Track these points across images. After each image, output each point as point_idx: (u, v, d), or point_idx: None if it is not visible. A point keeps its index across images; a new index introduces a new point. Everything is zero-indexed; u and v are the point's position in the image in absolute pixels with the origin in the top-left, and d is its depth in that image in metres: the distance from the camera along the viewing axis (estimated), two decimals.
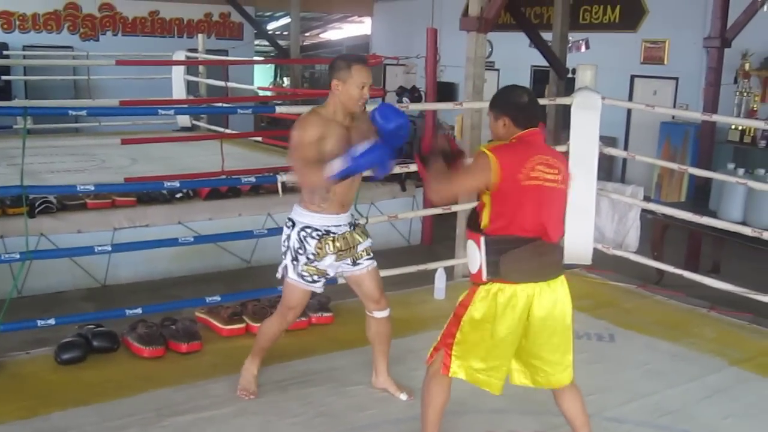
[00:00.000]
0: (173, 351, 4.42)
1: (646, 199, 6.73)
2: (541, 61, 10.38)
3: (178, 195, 7.68)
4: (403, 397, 3.98)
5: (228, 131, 10.63)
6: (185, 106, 10.72)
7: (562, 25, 9.93)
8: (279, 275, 3.80)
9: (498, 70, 14.65)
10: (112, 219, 7.18)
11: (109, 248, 5.05)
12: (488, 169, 2.99)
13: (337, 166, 3.38)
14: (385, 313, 3.91)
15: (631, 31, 12.83)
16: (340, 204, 3.69)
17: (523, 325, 3.09)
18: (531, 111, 3.15)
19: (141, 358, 4.33)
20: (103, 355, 4.35)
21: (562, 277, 3.18)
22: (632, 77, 12.76)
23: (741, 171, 6.88)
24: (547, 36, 10.27)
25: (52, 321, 4.46)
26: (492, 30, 6.58)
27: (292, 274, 3.71)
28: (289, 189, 7.09)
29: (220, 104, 9.95)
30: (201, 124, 12.23)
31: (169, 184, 5.25)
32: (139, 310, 4.63)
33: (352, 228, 3.79)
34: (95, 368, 4.22)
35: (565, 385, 3.23)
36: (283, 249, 3.73)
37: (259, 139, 11.23)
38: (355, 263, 3.79)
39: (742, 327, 5.25)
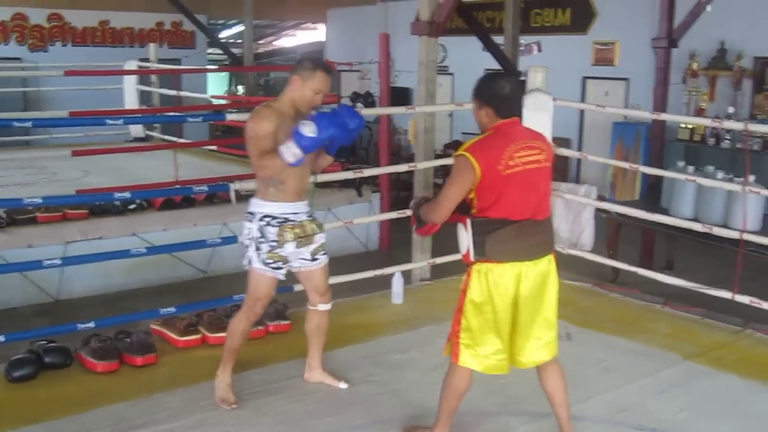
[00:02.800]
0: (128, 364, 4.34)
1: (601, 198, 6.80)
2: (494, 65, 10.46)
3: (132, 206, 7.58)
4: (343, 385, 4.10)
5: (182, 141, 10.53)
6: (135, 116, 10.57)
7: (514, 28, 10.02)
8: (246, 266, 3.87)
9: (452, 74, 14.73)
10: (63, 232, 7.06)
11: (59, 262, 4.95)
12: (470, 169, 3.13)
13: (290, 147, 3.50)
14: (329, 306, 4.06)
15: (581, 33, 12.98)
16: (295, 192, 3.80)
17: (513, 304, 3.23)
18: (513, 101, 3.30)
19: (95, 373, 4.25)
20: (56, 371, 4.26)
21: (550, 256, 3.31)
22: (584, 78, 12.91)
23: (691, 168, 7.00)
24: (499, 40, 10.36)
25: (1, 338, 4.36)
26: (443, 34, 6.62)
27: (256, 264, 3.80)
28: (242, 197, 7.07)
29: (170, 113, 9.85)
30: (155, 134, 12.10)
31: (119, 195, 5.17)
32: (91, 324, 4.55)
33: (309, 218, 3.90)
34: (47, 385, 4.13)
35: (546, 361, 3.36)
36: (246, 242, 3.83)
37: (214, 148, 11.13)
38: (313, 258, 3.91)
39: (695, 321, 5.33)
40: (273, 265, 3.80)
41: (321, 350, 4.15)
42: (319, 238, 3.94)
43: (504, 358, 3.29)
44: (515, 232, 3.18)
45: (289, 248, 3.80)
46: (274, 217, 3.78)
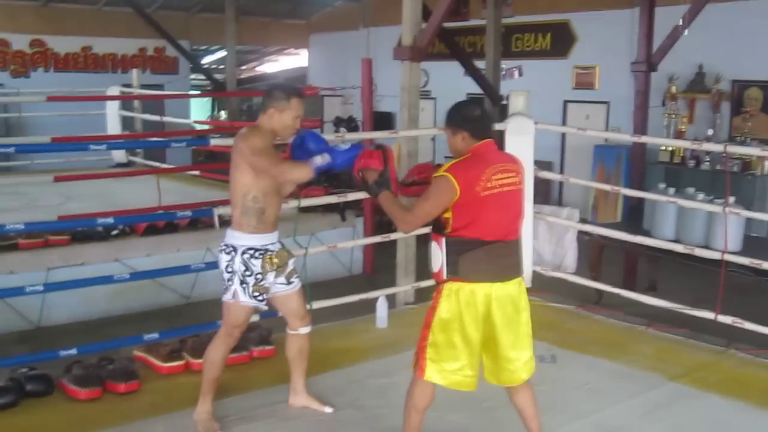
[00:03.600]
0: (111, 392, 4.29)
1: (583, 221, 6.86)
2: (476, 89, 10.55)
3: (115, 232, 7.55)
4: (328, 410, 4.11)
5: (165, 166, 10.51)
6: (118, 141, 10.54)
7: (495, 53, 10.13)
8: (228, 300, 3.83)
9: (434, 98, 14.82)
10: (45, 258, 7.01)
11: (41, 288, 4.92)
12: (450, 190, 3.20)
13: (319, 161, 3.66)
14: (309, 328, 4.09)
15: (562, 57, 13.12)
16: (273, 222, 3.85)
17: (485, 323, 3.28)
18: (486, 123, 3.43)
19: (77, 401, 4.20)
20: (38, 399, 4.19)
21: (520, 279, 3.40)
22: (565, 102, 13.04)
23: (672, 190, 7.07)
24: (480, 64, 10.45)
25: None
26: (425, 59, 6.67)
27: (244, 297, 3.78)
28: (225, 222, 7.05)
29: (153, 139, 9.82)
30: (137, 159, 12.07)
31: (102, 220, 5.15)
32: (74, 351, 4.51)
33: (280, 245, 3.93)
34: (29, 413, 4.07)
35: (522, 381, 3.43)
36: (227, 275, 3.79)
37: (198, 173, 11.11)
38: (289, 282, 3.94)
39: (679, 342, 5.35)
40: (259, 298, 3.82)
41: (304, 374, 4.15)
42: (291, 263, 3.97)
43: (470, 375, 3.34)
44: (487, 253, 3.26)
45: (270, 278, 3.83)
46: (256, 249, 3.77)
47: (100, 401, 4.23)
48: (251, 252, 3.76)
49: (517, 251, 3.41)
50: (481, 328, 3.29)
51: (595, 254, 7.88)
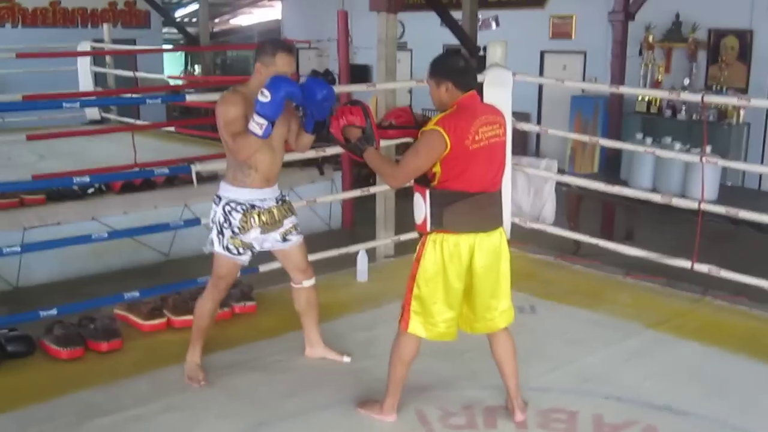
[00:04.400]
0: (93, 351, 4.28)
1: (561, 171, 6.87)
2: (453, 40, 10.46)
3: (90, 190, 7.48)
4: (347, 359, 4.16)
5: (139, 122, 10.38)
6: (92, 98, 10.38)
7: (472, 3, 10.02)
8: (206, 250, 3.90)
9: (411, 50, 14.69)
10: (21, 218, 6.94)
11: (19, 249, 4.87)
12: (440, 144, 3.19)
13: (255, 120, 3.47)
14: (313, 281, 4.09)
15: (538, 7, 13.04)
16: (264, 179, 3.78)
17: (467, 274, 3.33)
18: (470, 74, 3.41)
19: (59, 361, 4.18)
20: (19, 360, 4.17)
21: (501, 229, 3.43)
22: (542, 53, 12.99)
23: (649, 140, 7.11)
24: (457, 15, 10.35)
25: None
26: (402, 10, 6.60)
27: (218, 248, 3.82)
28: (204, 178, 6.99)
29: (128, 95, 9.68)
30: (111, 116, 11.89)
31: (78, 179, 5.08)
32: (54, 311, 4.47)
33: (279, 203, 3.88)
34: (10, 374, 4.06)
35: (500, 329, 3.48)
36: (210, 225, 3.84)
37: (173, 129, 10.99)
38: (284, 239, 3.92)
39: (656, 291, 5.42)
40: (234, 251, 3.80)
41: (317, 325, 4.19)
42: (288, 222, 3.92)
43: (453, 326, 3.41)
44: (472, 205, 3.28)
45: (252, 234, 3.80)
46: (239, 203, 3.76)
47: (83, 360, 4.22)
48: (233, 205, 3.75)
49: (499, 202, 3.44)
50: (464, 279, 3.34)
51: (572, 205, 7.93)
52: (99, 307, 4.87)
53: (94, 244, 6.22)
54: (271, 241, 3.89)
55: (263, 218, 3.79)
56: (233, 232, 3.76)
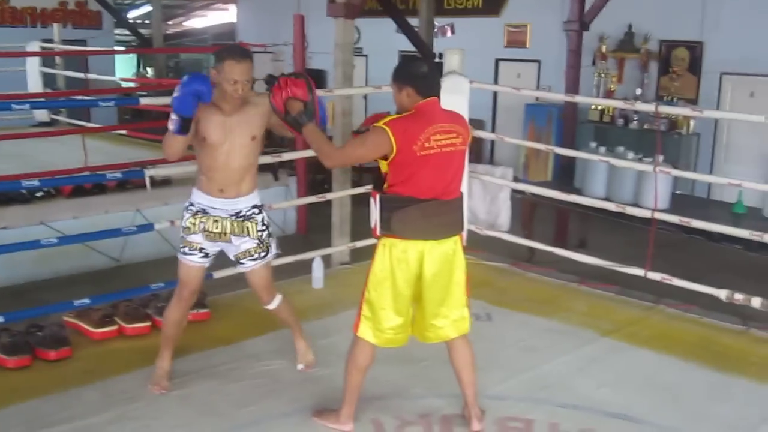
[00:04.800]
0: (41, 359, 4.17)
1: (515, 179, 6.92)
2: (409, 46, 10.49)
3: (39, 194, 7.29)
4: (300, 367, 4.16)
5: (90, 125, 10.19)
6: (42, 99, 10.17)
7: (428, 10, 10.06)
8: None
9: (366, 55, 14.69)
10: None
11: None
12: (386, 144, 3.18)
13: (170, 123, 3.50)
14: (271, 306, 4.07)
15: (494, 15, 13.14)
16: (217, 188, 3.74)
17: (416, 281, 3.32)
18: (432, 80, 3.36)
19: (6, 369, 4.07)
20: None
21: (456, 238, 3.41)
22: (497, 60, 13.08)
23: (602, 149, 7.18)
24: (413, 21, 10.38)
25: None
26: (359, 16, 6.58)
27: (179, 252, 3.84)
28: (157, 183, 6.87)
29: (80, 97, 9.50)
30: (60, 118, 11.66)
31: (27, 182, 4.94)
32: (0, 318, 4.34)
33: (235, 218, 3.79)
34: None
35: (453, 338, 3.47)
36: None
37: (124, 132, 10.81)
38: (238, 262, 3.90)
39: (610, 299, 5.47)
40: (183, 250, 3.80)
41: (297, 330, 4.20)
42: (240, 242, 3.82)
43: (401, 333, 3.41)
44: (420, 211, 3.26)
45: (196, 238, 3.78)
46: (192, 204, 3.80)
47: (30, 369, 4.11)
48: (188, 205, 3.80)
49: (456, 210, 3.41)
50: (413, 285, 3.33)
51: (527, 212, 7.98)
52: (48, 314, 4.74)
53: (42, 249, 6.07)
54: (230, 255, 3.91)
55: (208, 226, 3.76)
56: (182, 229, 3.81)
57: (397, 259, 3.29)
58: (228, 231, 3.78)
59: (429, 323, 3.42)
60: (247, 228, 3.83)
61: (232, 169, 3.72)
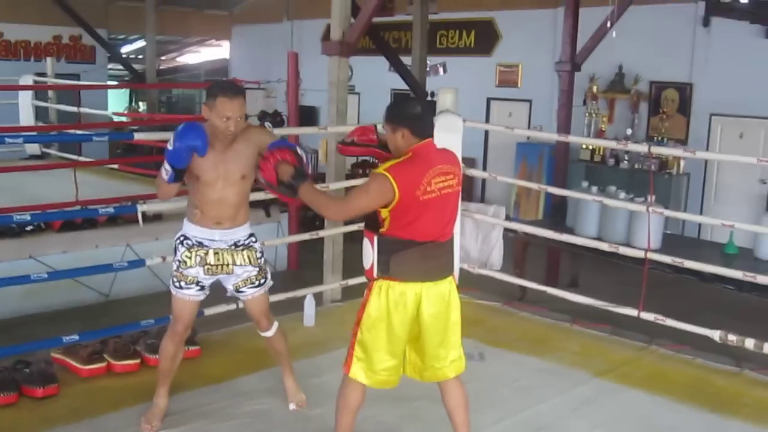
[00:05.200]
0: (27, 397, 4.09)
1: (506, 218, 6.92)
2: (401, 84, 10.55)
3: (29, 227, 7.24)
4: (292, 407, 4.09)
5: (82, 158, 10.17)
6: (35, 133, 10.16)
7: (421, 49, 10.14)
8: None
9: (358, 93, 14.78)
10: None
11: None
12: (389, 191, 3.13)
13: (164, 166, 3.49)
14: (270, 333, 4.03)
15: (486, 55, 13.26)
16: (213, 219, 3.72)
17: (413, 323, 3.28)
18: (427, 120, 3.33)
19: None
20: None
21: (450, 278, 3.39)
22: (488, 99, 13.18)
23: (594, 189, 7.20)
24: (405, 60, 10.45)
25: None
26: (353, 54, 6.62)
27: (172, 286, 3.79)
28: (148, 218, 6.84)
29: (73, 131, 9.50)
30: (52, 151, 11.64)
31: (19, 216, 4.90)
32: None
33: (235, 247, 3.78)
34: None
35: (449, 378, 3.42)
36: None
37: (116, 166, 10.80)
38: (238, 290, 3.87)
39: (603, 338, 5.45)
40: (176, 284, 3.75)
41: (287, 372, 4.15)
42: (242, 271, 3.82)
43: (394, 374, 3.37)
44: (420, 254, 3.23)
45: (193, 271, 3.73)
46: (187, 238, 3.75)
47: (16, 407, 4.03)
48: (182, 239, 3.75)
49: (450, 251, 3.40)
50: (409, 327, 3.29)
51: (518, 251, 7.98)
52: (35, 350, 4.67)
53: (30, 284, 6.02)
54: (228, 285, 3.86)
55: (208, 259, 3.73)
56: (176, 263, 3.74)
57: (395, 302, 3.25)
58: (230, 262, 3.77)
59: (429, 365, 3.38)
60: (248, 257, 3.82)
61: (228, 204, 3.71)
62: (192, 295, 3.78)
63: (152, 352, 4.60)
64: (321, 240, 6.43)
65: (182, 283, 3.75)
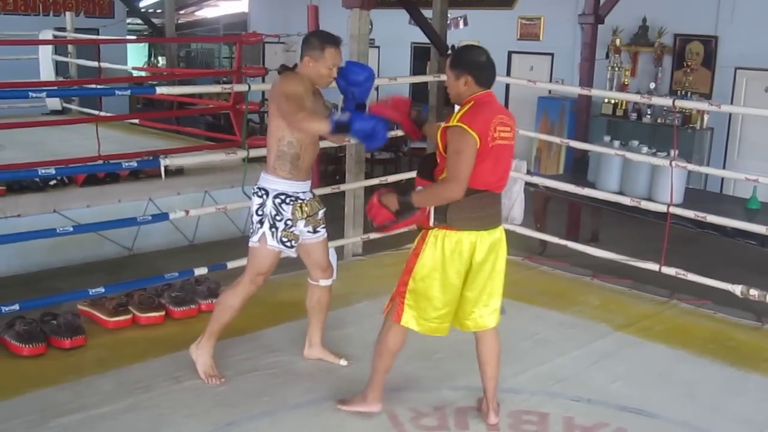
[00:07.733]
0: (55, 347, 4.19)
1: (527, 172, 6.87)
2: (421, 38, 10.41)
3: (52, 182, 7.30)
4: (343, 362, 4.12)
5: (103, 114, 10.18)
6: (56, 88, 10.16)
7: (442, 2, 9.98)
8: (254, 244, 3.83)
9: (378, 47, 14.63)
10: None
11: None
12: (473, 141, 3.15)
13: (341, 118, 3.43)
14: (329, 282, 4.13)
15: (507, 8, 13.06)
16: (306, 170, 3.85)
17: (467, 271, 3.31)
18: (491, 70, 3.33)
19: (20, 357, 4.09)
20: None
21: (501, 227, 3.42)
22: (509, 53, 13.01)
23: (617, 143, 7.14)
24: (426, 13, 10.32)
25: None
26: (374, 7, 6.54)
27: (271, 242, 3.78)
28: (171, 173, 6.87)
29: (94, 86, 9.49)
30: (72, 106, 11.66)
31: (44, 171, 4.93)
32: (16, 306, 4.34)
33: (313, 195, 3.93)
34: None
35: (489, 328, 3.46)
36: (257, 218, 3.80)
37: (136, 121, 10.81)
38: (315, 231, 3.95)
39: (623, 293, 5.46)
40: (287, 244, 3.81)
41: (322, 326, 4.17)
42: (320, 213, 3.98)
43: (445, 322, 3.40)
44: (477, 203, 3.26)
45: (300, 225, 3.83)
46: (288, 195, 3.78)
47: (45, 357, 4.13)
48: (283, 197, 3.77)
49: (500, 202, 3.44)
50: (463, 276, 3.32)
51: (539, 206, 7.95)
52: (62, 302, 4.75)
53: (55, 237, 6.09)
54: (305, 233, 3.91)
55: (306, 209, 3.83)
56: (286, 224, 3.77)
57: (451, 251, 3.27)
58: (316, 209, 3.91)
59: (470, 311, 3.42)
60: (319, 200, 4.00)
61: (315, 152, 3.85)
62: (294, 252, 3.90)
63: (177, 305, 4.68)
64: (341, 194, 6.43)
65: (293, 242, 3.83)
